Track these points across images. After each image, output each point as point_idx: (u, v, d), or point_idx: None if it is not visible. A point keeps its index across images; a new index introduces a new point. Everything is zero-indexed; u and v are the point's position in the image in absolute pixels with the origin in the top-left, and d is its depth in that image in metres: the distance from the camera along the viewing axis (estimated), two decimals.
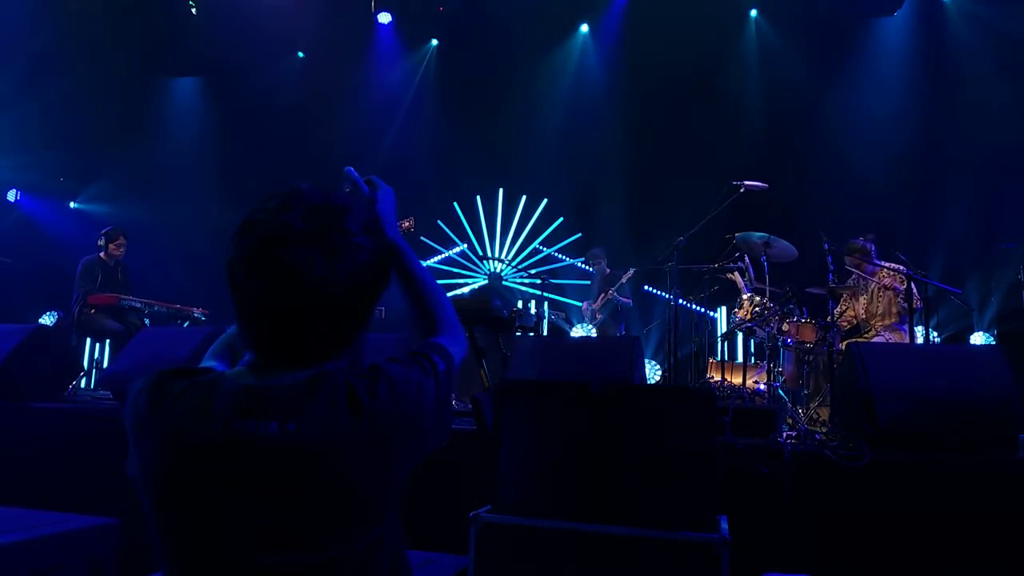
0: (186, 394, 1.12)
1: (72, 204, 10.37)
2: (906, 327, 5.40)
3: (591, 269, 8.17)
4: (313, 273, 1.09)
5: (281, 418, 1.08)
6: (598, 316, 7.84)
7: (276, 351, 1.15)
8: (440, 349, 1.30)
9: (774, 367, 5.19)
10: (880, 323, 5.78)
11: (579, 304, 9.44)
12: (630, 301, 7.89)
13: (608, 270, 7.97)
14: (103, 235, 6.96)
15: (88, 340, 7.22)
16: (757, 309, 5.31)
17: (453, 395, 1.38)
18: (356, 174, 1.47)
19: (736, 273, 5.80)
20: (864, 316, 5.90)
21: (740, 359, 6.69)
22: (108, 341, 7.05)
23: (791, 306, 5.30)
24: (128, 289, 6.95)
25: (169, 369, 1.20)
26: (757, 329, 5.37)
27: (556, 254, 9.76)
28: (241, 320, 1.16)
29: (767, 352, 5.22)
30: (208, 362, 1.40)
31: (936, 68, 8.23)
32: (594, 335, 8.15)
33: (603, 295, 7.78)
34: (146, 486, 1.12)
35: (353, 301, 1.15)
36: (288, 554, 1.07)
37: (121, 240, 6.96)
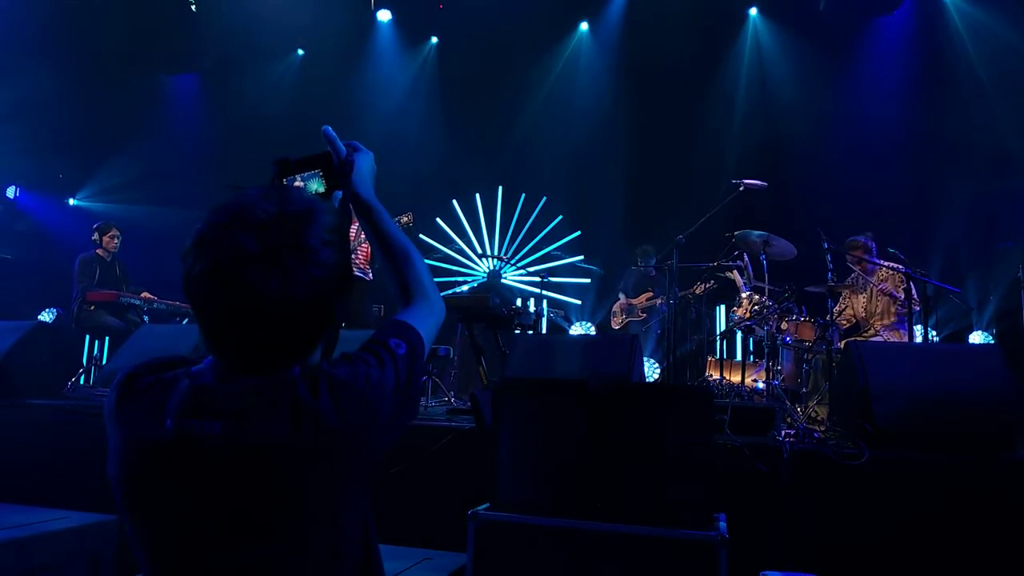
0: (148, 391, 1.14)
1: (71, 201, 10.36)
2: (905, 326, 5.41)
3: (640, 264, 7.85)
4: (267, 291, 1.08)
5: (225, 419, 1.08)
6: (641, 314, 7.71)
7: (234, 357, 1.15)
8: (402, 328, 1.27)
9: (773, 365, 5.19)
10: (879, 322, 5.79)
11: (577, 302, 9.45)
12: (665, 308, 7.78)
13: (654, 272, 7.73)
14: (95, 229, 6.98)
15: (87, 337, 7.21)
16: (756, 307, 5.32)
17: (423, 371, 1.35)
18: (333, 133, 1.44)
19: (735, 271, 5.80)
20: (863, 315, 5.90)
21: (739, 357, 6.68)
22: (107, 338, 7.05)
23: (790, 304, 5.30)
24: (127, 283, 6.96)
25: (146, 362, 1.21)
26: (756, 327, 5.37)
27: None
28: (199, 326, 1.16)
29: (766, 350, 5.22)
30: None
31: (935, 66, 8.24)
32: (593, 332, 8.15)
33: (649, 294, 7.66)
34: (113, 480, 1.15)
35: (310, 313, 1.14)
36: (232, 552, 1.08)
37: (114, 232, 6.96)
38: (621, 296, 7.93)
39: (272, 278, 1.08)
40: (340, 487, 1.14)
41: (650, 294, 7.67)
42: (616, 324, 7.88)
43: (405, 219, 6.19)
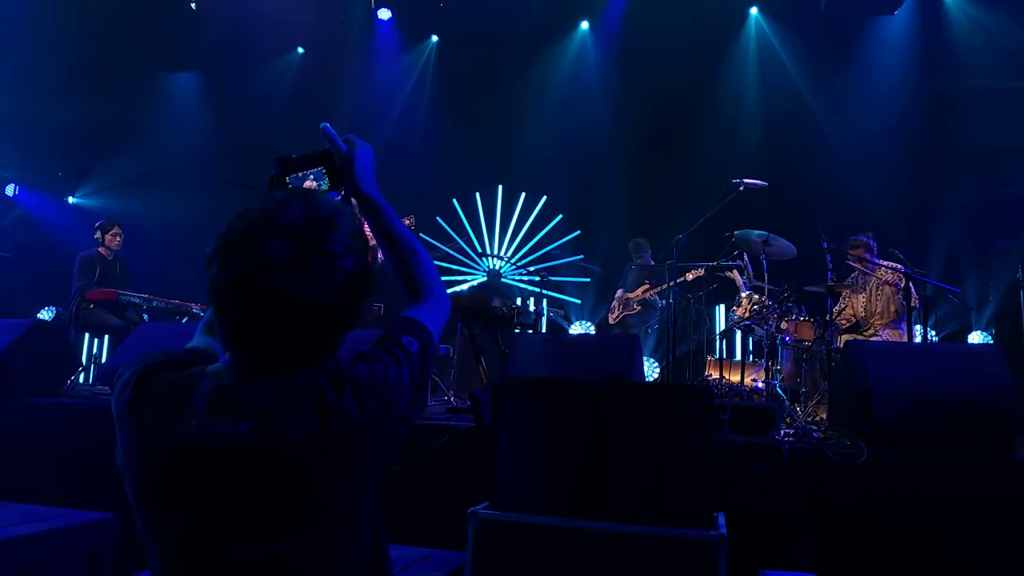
0: (167, 389, 1.16)
1: (71, 199, 10.35)
2: (904, 326, 5.41)
3: (634, 258, 7.78)
4: (296, 295, 1.11)
5: (252, 418, 1.10)
6: (636, 307, 7.60)
7: (256, 357, 1.16)
8: (412, 326, 1.29)
9: (772, 365, 5.19)
10: (878, 322, 5.79)
11: (577, 301, 9.44)
12: (661, 302, 7.75)
13: (652, 262, 7.65)
14: (97, 227, 6.94)
15: (87, 335, 7.20)
16: (756, 307, 5.32)
17: (433, 369, 1.38)
18: (333, 131, 1.45)
19: (735, 271, 5.80)
20: (863, 314, 5.91)
21: (738, 357, 6.68)
22: (107, 336, 7.04)
23: (789, 304, 5.30)
24: (126, 283, 6.94)
25: (158, 358, 1.23)
26: (756, 327, 5.37)
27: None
28: (222, 329, 1.17)
29: (765, 350, 5.22)
30: (200, 338, 1.43)
31: (935, 67, 8.23)
32: (593, 332, 8.15)
33: (646, 287, 7.54)
34: (127, 475, 1.16)
35: (334, 315, 1.17)
36: (256, 547, 1.10)
37: (116, 230, 6.93)
38: (620, 291, 7.85)
39: (301, 283, 1.11)
40: (359, 483, 1.16)
41: (646, 286, 7.55)
42: (612, 319, 7.78)
43: (407, 222, 6.18)
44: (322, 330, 1.17)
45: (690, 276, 6.40)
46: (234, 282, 1.11)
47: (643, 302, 7.59)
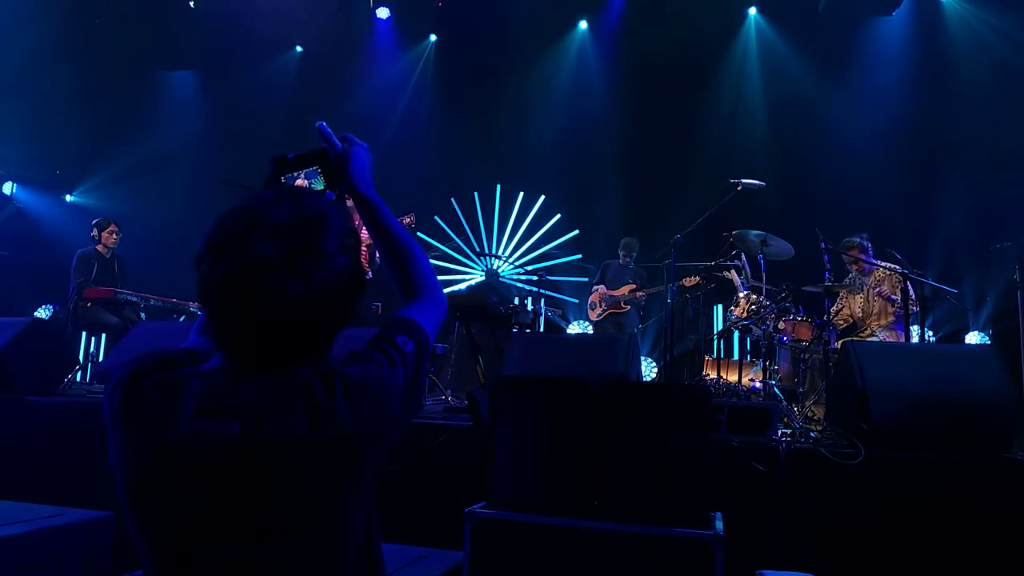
0: (158, 390, 1.14)
1: (68, 197, 10.33)
2: (902, 326, 5.42)
3: (620, 256, 7.69)
4: (287, 295, 1.09)
5: (242, 419, 1.09)
6: (624, 306, 7.54)
7: (248, 358, 1.15)
8: (408, 325, 1.28)
9: (770, 365, 5.20)
10: (876, 322, 5.80)
11: (575, 301, 9.44)
12: (644, 300, 7.69)
13: (632, 265, 7.62)
14: (94, 225, 6.93)
15: (84, 334, 7.19)
16: (753, 307, 5.32)
17: (430, 368, 1.37)
18: (328, 129, 1.44)
19: (733, 271, 5.81)
20: (860, 315, 5.91)
21: (736, 357, 6.68)
22: (104, 335, 7.03)
23: (787, 304, 5.30)
24: (124, 281, 6.93)
25: (150, 358, 1.22)
26: (753, 327, 5.38)
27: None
28: (213, 330, 1.16)
29: (763, 350, 5.23)
30: (196, 338, 1.43)
31: (933, 67, 8.25)
32: (591, 331, 8.14)
33: (632, 286, 7.47)
34: (118, 475, 1.15)
35: (326, 314, 1.16)
36: (247, 547, 1.09)
37: (113, 228, 6.92)
38: (600, 287, 7.75)
39: (291, 283, 1.09)
40: (352, 484, 1.15)
41: (633, 286, 7.50)
42: (594, 316, 7.70)
43: (407, 220, 6.17)
44: (313, 330, 1.16)
45: (688, 283, 6.40)
46: (223, 282, 1.10)
47: (631, 301, 7.58)
